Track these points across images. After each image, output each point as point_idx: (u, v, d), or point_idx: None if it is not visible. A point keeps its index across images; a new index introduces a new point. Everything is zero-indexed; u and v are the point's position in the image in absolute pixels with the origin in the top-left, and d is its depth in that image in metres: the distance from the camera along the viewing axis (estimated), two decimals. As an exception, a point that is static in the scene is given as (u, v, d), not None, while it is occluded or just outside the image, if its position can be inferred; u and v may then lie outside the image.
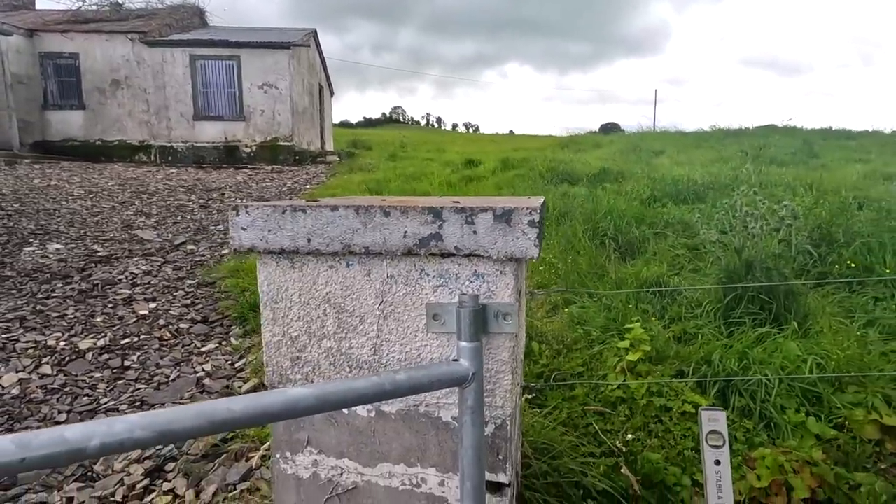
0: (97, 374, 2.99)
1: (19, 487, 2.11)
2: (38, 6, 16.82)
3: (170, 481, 2.15)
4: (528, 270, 3.37)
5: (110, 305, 3.92)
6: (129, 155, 13.39)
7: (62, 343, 3.29)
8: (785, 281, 2.84)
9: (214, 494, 2.08)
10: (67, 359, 3.13)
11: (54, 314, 3.71)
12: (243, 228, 1.00)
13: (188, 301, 4.06)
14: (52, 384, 2.86)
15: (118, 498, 2.05)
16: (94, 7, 14.88)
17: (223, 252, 5.30)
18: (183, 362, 3.18)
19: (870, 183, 6.31)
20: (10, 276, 4.37)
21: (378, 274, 0.98)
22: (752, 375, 2.30)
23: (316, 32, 16.03)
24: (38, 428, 2.52)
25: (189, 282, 4.47)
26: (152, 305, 3.96)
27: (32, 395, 2.75)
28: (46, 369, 3.00)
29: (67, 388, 2.84)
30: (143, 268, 4.76)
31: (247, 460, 2.25)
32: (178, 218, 6.79)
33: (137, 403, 2.75)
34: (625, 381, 2.40)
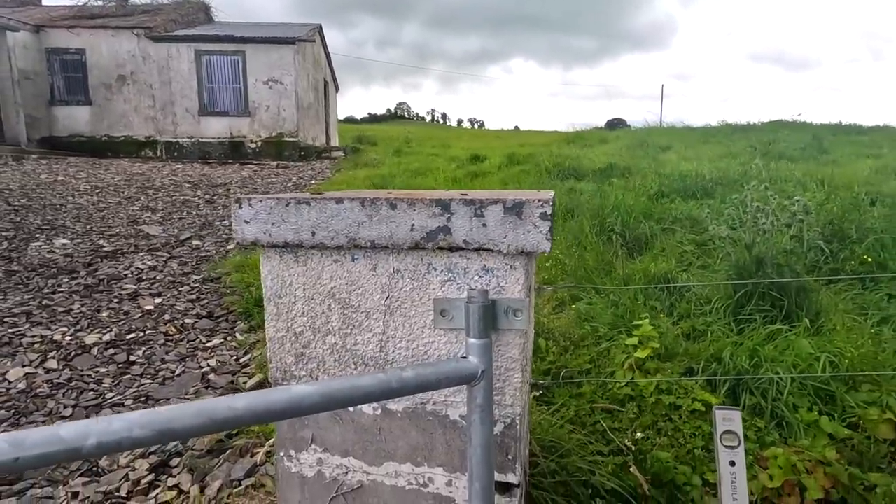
0: (103, 369, 2.99)
1: (25, 482, 2.11)
2: (45, 2, 16.87)
3: (175, 477, 2.14)
4: (535, 266, 3.33)
5: (116, 300, 3.93)
6: (135, 150, 13.43)
7: (68, 338, 3.30)
8: (796, 277, 2.79)
9: (219, 490, 2.07)
10: (73, 353, 3.13)
11: (60, 309, 3.72)
12: (246, 221, 0.97)
13: (193, 296, 4.05)
14: (57, 378, 2.86)
15: (123, 493, 2.04)
16: (100, 3, 14.91)
17: (228, 247, 5.30)
18: (188, 357, 3.17)
19: (882, 178, 6.21)
20: (17, 271, 4.38)
21: (384, 268, 0.95)
22: (763, 374, 2.26)
23: (321, 27, 15.99)
24: (44, 423, 2.52)
25: (194, 277, 4.46)
26: (158, 300, 3.96)
27: (38, 390, 2.75)
28: (52, 364, 3.00)
29: (73, 383, 2.84)
30: (149, 263, 4.77)
31: (252, 456, 2.24)
32: (184, 213, 6.79)
33: (143, 398, 2.75)
34: (633, 378, 2.37)
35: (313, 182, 9.86)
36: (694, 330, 2.95)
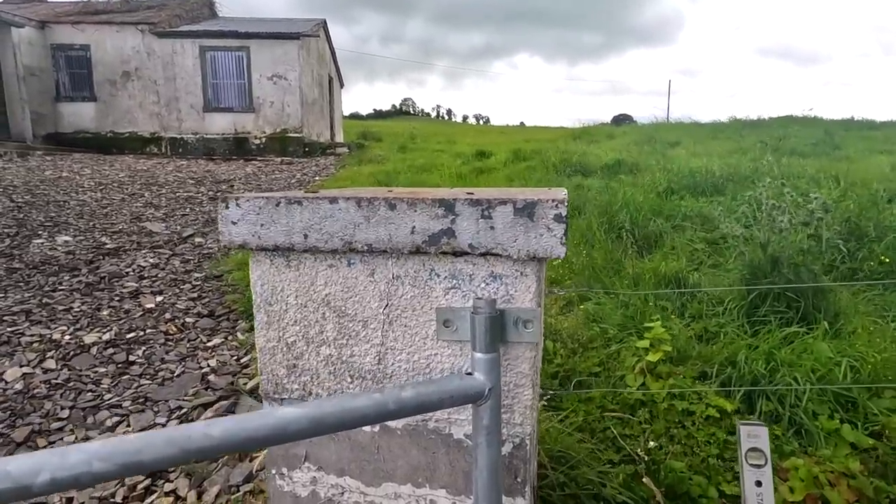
0: (101, 369, 2.94)
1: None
2: (50, -2, 16.87)
3: (172, 482, 2.08)
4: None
5: (117, 298, 3.88)
6: (140, 147, 13.42)
7: (67, 337, 3.25)
8: (814, 278, 2.69)
9: (217, 496, 2.01)
10: (72, 353, 3.08)
11: (60, 307, 3.67)
12: (234, 222, 0.90)
13: (195, 294, 4.00)
14: (55, 379, 2.82)
15: (118, 499, 1.99)
16: (105, -2, 14.89)
17: (231, 244, 5.24)
18: (188, 357, 3.12)
19: (898, 175, 6.06)
20: (18, 269, 4.35)
21: (382, 274, 0.88)
22: (781, 378, 2.17)
23: (325, 23, 15.89)
24: (40, 424, 2.47)
25: (196, 275, 4.41)
26: (159, 299, 3.90)
27: (36, 391, 2.70)
28: (51, 363, 2.96)
29: (71, 384, 2.79)
30: (151, 260, 4.72)
31: (251, 461, 2.18)
32: (187, 210, 6.75)
33: (141, 400, 2.69)
34: (643, 384, 2.29)
35: (317, 178, 9.80)
36: (706, 331, 2.86)
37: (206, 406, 2.63)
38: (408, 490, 0.93)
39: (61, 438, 2.35)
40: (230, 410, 2.63)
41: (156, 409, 2.62)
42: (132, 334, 3.34)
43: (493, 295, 0.83)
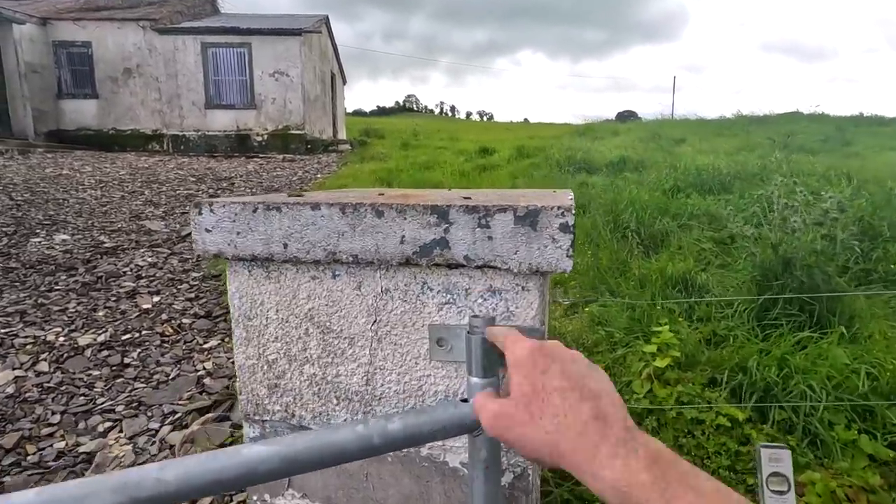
0: (95, 372, 2.88)
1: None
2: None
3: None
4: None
5: (113, 299, 3.82)
6: (142, 144, 13.39)
7: (61, 338, 3.19)
8: (828, 280, 2.60)
9: (212, 502, 1.95)
10: (66, 355, 3.03)
11: (56, 308, 3.62)
12: (208, 230, 0.82)
13: (192, 295, 3.94)
14: (48, 382, 2.76)
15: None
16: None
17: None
18: (184, 360, 3.05)
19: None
20: (14, 268, 4.30)
21: (370, 287, 0.80)
22: (795, 386, 2.08)
23: (328, 19, 15.79)
24: (30, 430, 2.41)
25: (194, 274, 4.35)
26: (156, 299, 3.85)
27: (27, 395, 2.64)
28: (44, 366, 2.90)
29: (64, 387, 2.73)
30: (149, 259, 4.66)
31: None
32: (187, 208, 6.69)
33: (135, 404, 2.63)
34: (651, 390, 2.20)
35: (319, 176, 9.74)
36: (714, 335, 2.77)
37: (200, 411, 2.57)
38: (399, 521, 0.86)
39: (51, 445, 2.29)
40: (226, 415, 2.56)
41: (149, 413, 2.56)
42: (128, 336, 3.28)
43: (492, 311, 0.75)
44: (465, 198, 0.82)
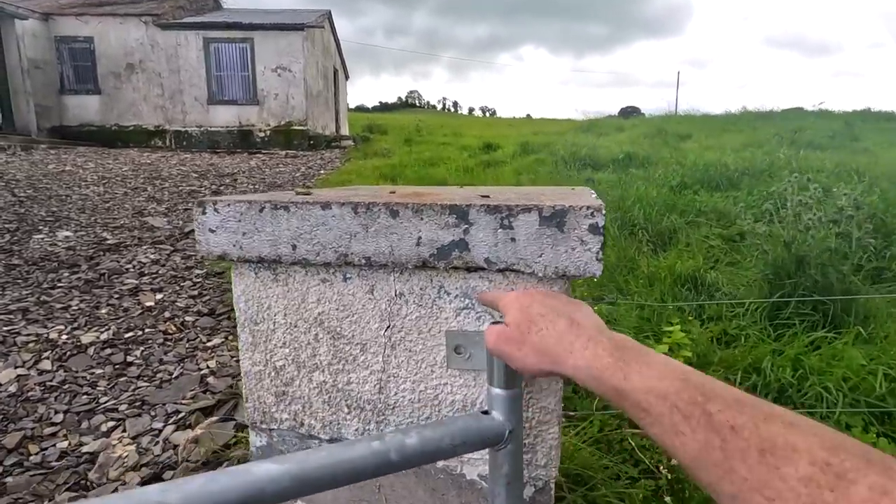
0: (98, 371, 2.86)
1: (9, 496, 1.97)
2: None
3: None
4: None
5: (116, 296, 3.79)
6: (144, 140, 13.36)
7: (64, 336, 3.17)
8: (843, 279, 2.54)
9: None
10: (69, 353, 3.00)
11: (58, 305, 3.59)
12: (212, 230, 0.78)
13: (195, 292, 3.91)
14: (51, 381, 2.73)
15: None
16: (109, -10, 14.76)
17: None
18: (187, 358, 3.02)
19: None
20: (17, 265, 4.27)
21: (383, 291, 0.75)
22: (810, 388, 2.04)
23: (330, 14, 15.70)
24: (33, 429, 2.39)
25: (197, 271, 4.32)
26: (159, 296, 3.82)
27: (30, 393, 2.62)
28: (46, 364, 2.87)
29: (66, 386, 2.70)
30: (152, 256, 4.63)
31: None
32: (190, 204, 6.66)
33: (138, 403, 2.60)
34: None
35: (322, 172, 9.69)
36: (725, 334, 2.72)
37: (204, 410, 2.54)
38: (413, 536, 0.82)
39: (54, 445, 2.26)
40: (230, 415, 2.53)
41: (153, 412, 2.53)
42: (130, 334, 3.25)
43: (514, 317, 0.71)
44: (484, 196, 0.78)
